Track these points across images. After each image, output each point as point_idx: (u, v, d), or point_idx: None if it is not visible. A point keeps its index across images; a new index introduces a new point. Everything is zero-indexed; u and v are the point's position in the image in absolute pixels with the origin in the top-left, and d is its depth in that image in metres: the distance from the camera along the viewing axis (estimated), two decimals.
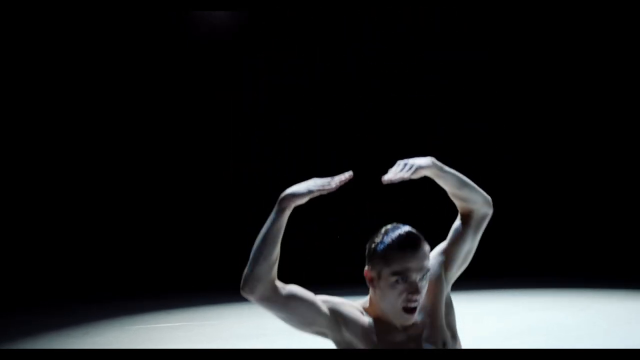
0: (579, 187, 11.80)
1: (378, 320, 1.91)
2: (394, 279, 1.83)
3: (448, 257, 2.02)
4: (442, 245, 2.06)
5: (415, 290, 1.82)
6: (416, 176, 1.94)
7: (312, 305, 1.87)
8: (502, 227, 11.71)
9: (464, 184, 2.02)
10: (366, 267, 1.92)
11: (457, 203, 2.06)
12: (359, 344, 1.87)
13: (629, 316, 6.61)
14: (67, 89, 10.86)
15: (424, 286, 1.86)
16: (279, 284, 1.86)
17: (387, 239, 1.87)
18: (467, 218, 2.04)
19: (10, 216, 10.33)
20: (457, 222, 2.07)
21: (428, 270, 1.87)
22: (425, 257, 1.87)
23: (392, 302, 1.85)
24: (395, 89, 11.86)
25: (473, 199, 2.02)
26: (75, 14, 10.32)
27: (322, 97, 11.79)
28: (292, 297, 1.85)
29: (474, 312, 6.86)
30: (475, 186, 2.04)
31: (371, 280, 1.90)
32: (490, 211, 2.07)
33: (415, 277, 1.83)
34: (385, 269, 1.84)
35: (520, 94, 12.16)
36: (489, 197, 2.06)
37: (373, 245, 1.90)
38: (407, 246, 1.85)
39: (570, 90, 11.89)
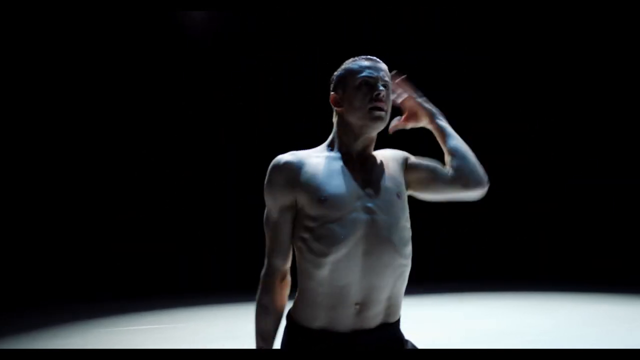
0: (551, 190, 11.81)
1: (339, 152, 1.91)
2: (358, 81, 1.85)
3: (408, 174, 1.96)
4: (412, 160, 2.00)
5: (378, 95, 1.83)
6: (411, 124, 2.04)
7: (289, 223, 1.88)
8: (479, 230, 11.73)
9: (463, 154, 1.92)
10: (331, 94, 1.93)
11: (451, 169, 1.92)
12: (315, 178, 1.86)
13: (599, 318, 6.64)
14: (66, 90, 10.87)
15: (387, 97, 1.88)
16: (286, 265, 1.89)
17: (347, 63, 1.92)
18: (450, 180, 1.91)
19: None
20: (440, 170, 1.93)
21: (389, 84, 1.90)
22: (385, 71, 1.90)
23: (359, 106, 1.84)
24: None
25: (466, 175, 1.90)
26: (73, 14, 10.35)
27: (322, 97, 11.75)
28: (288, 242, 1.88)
29: (444, 315, 6.86)
30: (474, 162, 1.92)
31: (337, 101, 1.91)
32: (474, 195, 1.93)
33: (377, 84, 1.85)
34: (350, 79, 1.87)
35: (520, 93, 12.14)
36: (483, 178, 1.92)
37: (335, 74, 1.94)
38: (367, 58, 1.91)
39: (571, 90, 11.86)
